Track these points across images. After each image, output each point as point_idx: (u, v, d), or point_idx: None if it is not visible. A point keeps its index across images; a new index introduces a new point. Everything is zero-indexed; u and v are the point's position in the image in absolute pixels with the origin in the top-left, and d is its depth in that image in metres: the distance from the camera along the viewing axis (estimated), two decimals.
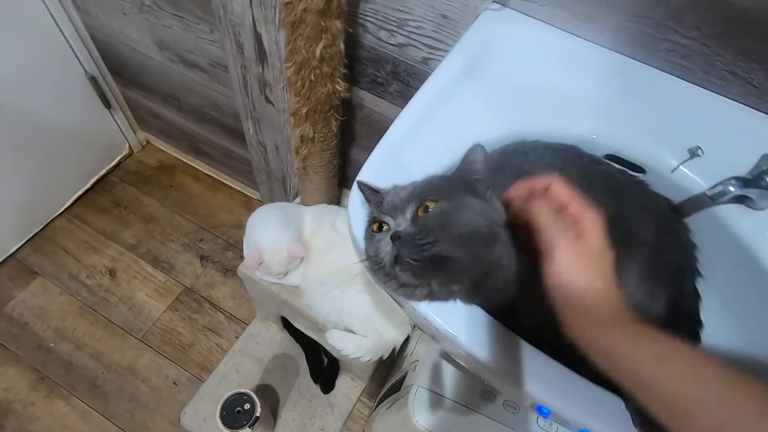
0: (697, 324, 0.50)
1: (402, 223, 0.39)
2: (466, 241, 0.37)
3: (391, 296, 0.43)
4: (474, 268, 0.38)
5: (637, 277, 0.49)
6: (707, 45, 0.50)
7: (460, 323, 0.41)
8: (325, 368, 1.17)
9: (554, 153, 0.53)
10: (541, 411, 0.43)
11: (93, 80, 1.27)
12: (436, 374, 0.56)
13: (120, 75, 1.31)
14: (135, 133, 1.54)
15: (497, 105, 0.54)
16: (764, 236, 0.48)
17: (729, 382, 0.27)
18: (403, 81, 0.78)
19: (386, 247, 0.38)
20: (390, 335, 0.90)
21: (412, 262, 0.36)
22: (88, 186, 1.46)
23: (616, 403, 0.39)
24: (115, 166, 1.52)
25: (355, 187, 0.45)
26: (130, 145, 1.54)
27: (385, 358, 0.92)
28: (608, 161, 0.55)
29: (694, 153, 0.52)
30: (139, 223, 1.43)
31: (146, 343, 1.23)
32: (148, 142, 1.60)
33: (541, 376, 0.40)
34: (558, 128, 0.54)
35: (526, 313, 0.43)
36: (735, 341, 0.48)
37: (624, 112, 0.54)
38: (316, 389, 1.18)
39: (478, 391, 0.56)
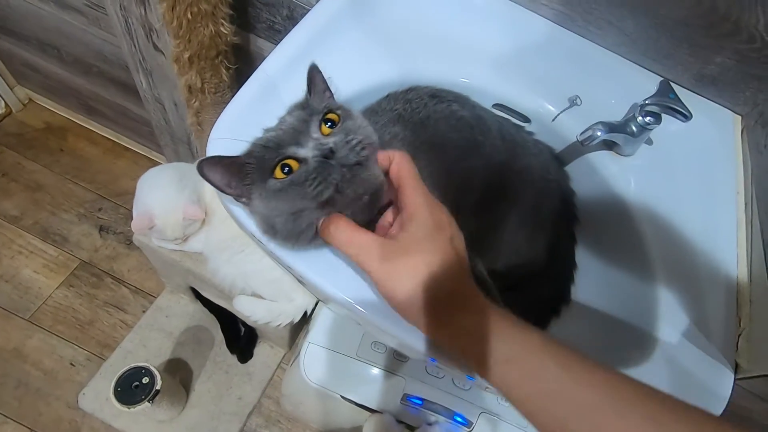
0: (573, 266, 0.53)
1: (315, 141, 0.31)
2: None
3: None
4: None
5: (518, 223, 0.50)
6: None
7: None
8: (242, 338, 1.13)
9: (440, 101, 0.52)
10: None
11: None
12: (328, 330, 0.55)
13: None
14: (12, 89, 1.34)
15: (383, 47, 0.51)
16: (628, 181, 0.51)
17: (569, 380, 0.27)
18: None
19: (319, 178, 0.31)
20: (300, 299, 0.87)
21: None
22: None
23: None
24: None
25: (203, 169, 0.34)
26: (6, 103, 1.34)
27: (296, 322, 0.90)
28: (495, 110, 0.56)
29: (573, 102, 0.53)
30: (23, 192, 1.26)
31: (36, 323, 1.11)
32: (30, 100, 1.40)
33: None
34: (448, 75, 0.53)
35: None
36: (604, 279, 0.51)
37: (512, 61, 0.54)
38: (233, 360, 1.14)
39: (370, 343, 0.55)
